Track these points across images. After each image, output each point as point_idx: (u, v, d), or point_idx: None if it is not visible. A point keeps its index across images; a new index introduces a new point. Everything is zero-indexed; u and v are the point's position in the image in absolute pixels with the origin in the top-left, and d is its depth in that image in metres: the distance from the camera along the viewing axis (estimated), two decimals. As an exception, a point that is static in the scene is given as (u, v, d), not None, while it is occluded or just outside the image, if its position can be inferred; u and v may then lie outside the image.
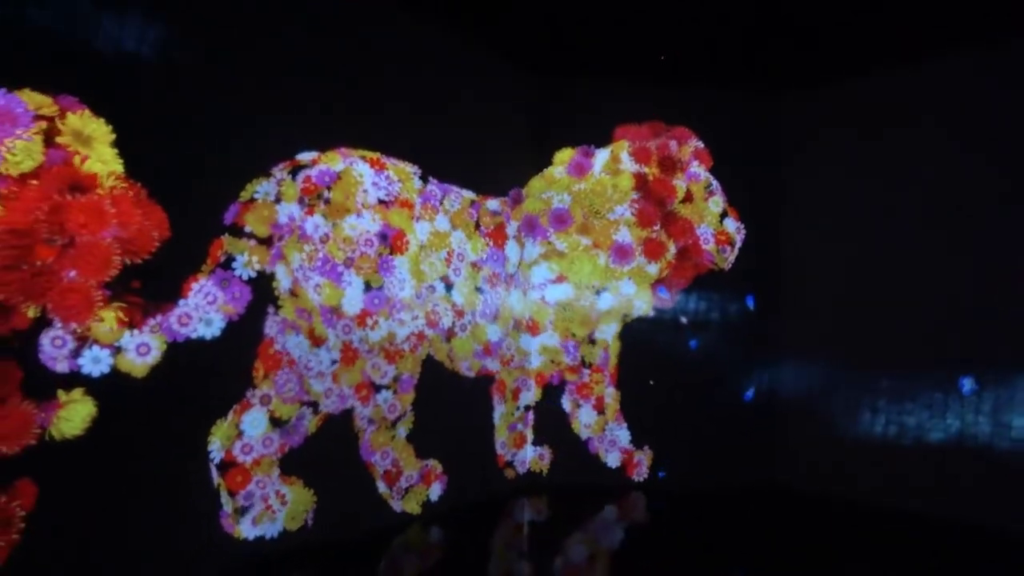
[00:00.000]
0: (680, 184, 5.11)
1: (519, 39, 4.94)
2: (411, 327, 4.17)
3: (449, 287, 4.46)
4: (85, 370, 2.83)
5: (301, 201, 3.69)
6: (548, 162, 5.32)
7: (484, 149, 5.04)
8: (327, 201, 3.78)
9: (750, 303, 5.57)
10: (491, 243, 4.83)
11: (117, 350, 2.92)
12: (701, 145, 5.23)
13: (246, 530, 3.46)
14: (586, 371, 5.19)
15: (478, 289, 4.70)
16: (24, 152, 2.68)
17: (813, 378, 5.44)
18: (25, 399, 2.64)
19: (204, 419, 3.33)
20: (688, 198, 5.13)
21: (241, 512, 3.43)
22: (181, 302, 3.17)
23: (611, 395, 5.28)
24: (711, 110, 5.50)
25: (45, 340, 2.72)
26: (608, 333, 5.25)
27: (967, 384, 4.67)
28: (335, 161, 3.89)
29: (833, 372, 5.33)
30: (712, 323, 5.52)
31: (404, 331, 4.13)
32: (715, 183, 5.21)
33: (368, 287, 3.91)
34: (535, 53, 5.16)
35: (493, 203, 4.99)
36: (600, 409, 5.24)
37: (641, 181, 5.07)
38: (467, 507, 4.65)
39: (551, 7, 4.52)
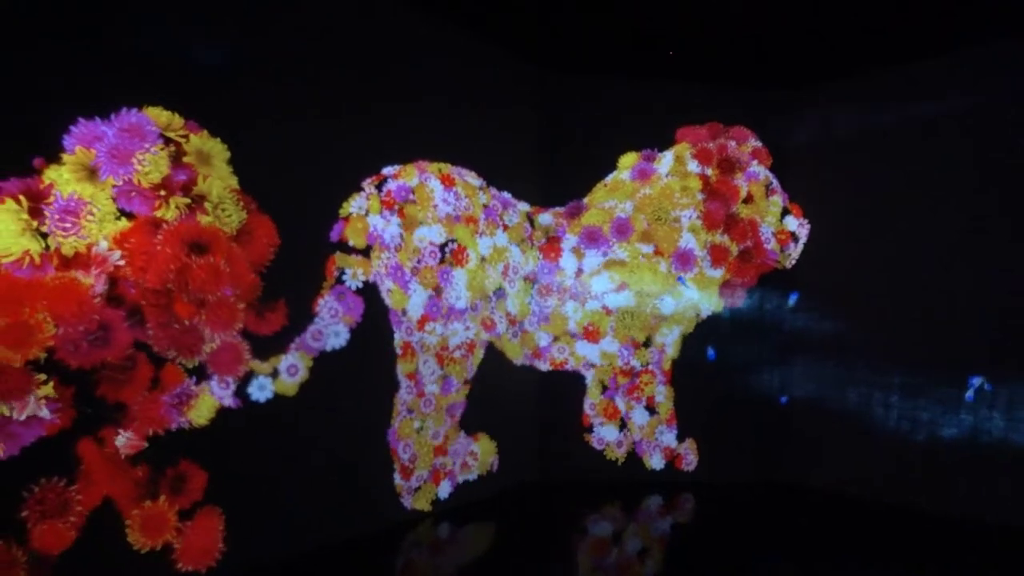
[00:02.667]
0: (741, 184, 5.20)
1: (529, 34, 4.90)
2: (463, 336, 4.51)
3: (504, 297, 4.85)
4: (253, 398, 3.43)
5: (382, 213, 4.07)
6: (556, 160, 5.46)
7: (492, 145, 5.03)
8: (403, 213, 4.16)
9: (793, 299, 5.58)
10: (542, 256, 5.07)
11: (275, 374, 3.49)
12: (759, 144, 5.29)
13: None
14: (633, 377, 5.30)
15: (530, 300, 5.04)
16: (152, 164, 2.94)
17: (825, 375, 5.48)
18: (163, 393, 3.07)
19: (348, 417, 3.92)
20: (749, 198, 5.21)
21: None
22: (316, 319, 3.70)
23: (663, 393, 5.37)
24: (719, 106, 5.52)
25: (213, 383, 3.24)
26: (669, 337, 5.36)
27: (976, 383, 4.67)
28: (411, 176, 4.26)
29: (845, 370, 5.37)
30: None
31: (456, 339, 4.47)
32: (775, 181, 5.25)
33: (430, 295, 4.27)
34: (545, 48, 5.13)
35: (546, 216, 5.18)
36: (653, 409, 5.34)
37: (705, 183, 5.18)
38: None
39: (561, 2, 4.47)
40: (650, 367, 5.30)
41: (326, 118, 3.81)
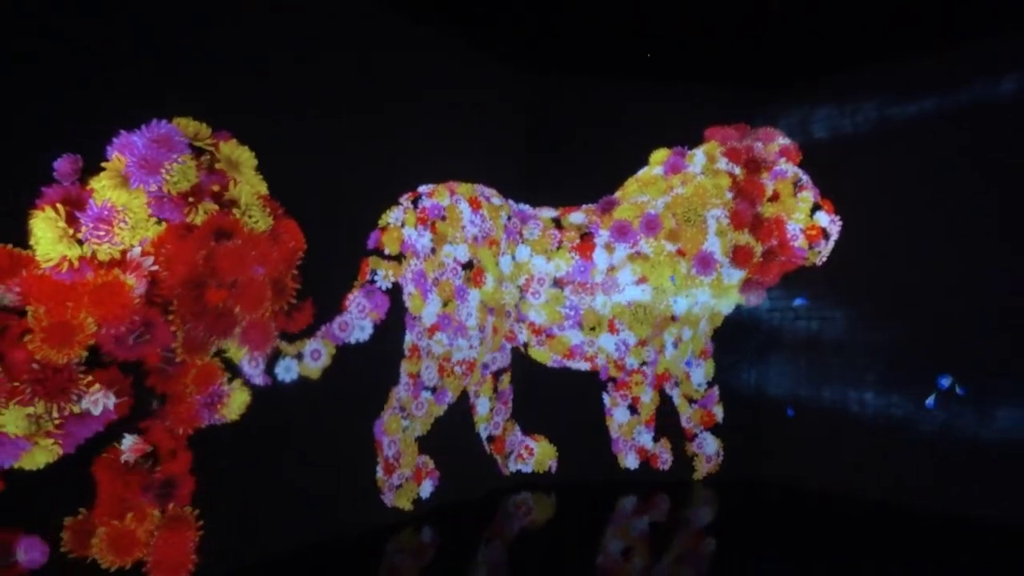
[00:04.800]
0: (767, 183, 5.13)
1: (513, 36, 4.96)
2: (466, 354, 4.64)
3: (525, 307, 5.06)
4: (280, 378, 3.61)
5: (417, 226, 4.39)
6: (542, 160, 5.52)
7: (477, 146, 5.10)
8: (435, 228, 4.48)
9: (801, 302, 5.49)
10: (577, 256, 5.06)
11: (299, 357, 3.69)
12: (787, 142, 5.23)
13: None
14: (628, 371, 5.30)
15: (564, 303, 5.11)
16: (180, 174, 3.05)
17: (799, 374, 5.49)
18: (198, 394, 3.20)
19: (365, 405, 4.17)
20: (775, 197, 5.14)
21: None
22: (345, 312, 3.97)
23: (650, 397, 5.36)
24: (702, 107, 5.55)
25: (244, 362, 3.41)
26: (670, 340, 5.38)
27: (945, 383, 4.70)
28: (443, 196, 4.59)
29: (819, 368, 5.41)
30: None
31: (459, 355, 4.61)
32: (805, 177, 5.16)
33: (443, 306, 4.50)
34: (529, 50, 5.17)
35: (578, 215, 5.20)
36: (636, 411, 5.35)
37: (734, 181, 5.15)
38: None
39: (546, 5, 4.51)
40: (644, 368, 5.29)
41: (331, 128, 3.98)
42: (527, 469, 5.26)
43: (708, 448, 5.53)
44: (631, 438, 5.35)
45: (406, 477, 4.39)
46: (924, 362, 4.84)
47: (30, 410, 2.63)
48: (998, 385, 4.54)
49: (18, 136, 2.71)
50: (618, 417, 5.36)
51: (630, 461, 5.36)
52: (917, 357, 4.89)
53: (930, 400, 4.78)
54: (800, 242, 5.10)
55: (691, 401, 5.52)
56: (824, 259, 5.18)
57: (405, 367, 4.35)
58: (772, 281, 5.30)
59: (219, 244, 3.16)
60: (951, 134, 4.81)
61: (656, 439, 5.41)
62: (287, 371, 3.64)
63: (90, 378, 2.78)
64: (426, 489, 4.52)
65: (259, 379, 3.47)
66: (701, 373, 5.54)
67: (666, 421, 5.47)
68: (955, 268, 4.74)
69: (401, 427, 4.32)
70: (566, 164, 5.55)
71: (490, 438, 5.06)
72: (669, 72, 5.44)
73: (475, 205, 4.74)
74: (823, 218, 5.14)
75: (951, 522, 4.54)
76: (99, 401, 2.81)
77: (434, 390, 4.50)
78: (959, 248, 4.74)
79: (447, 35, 4.77)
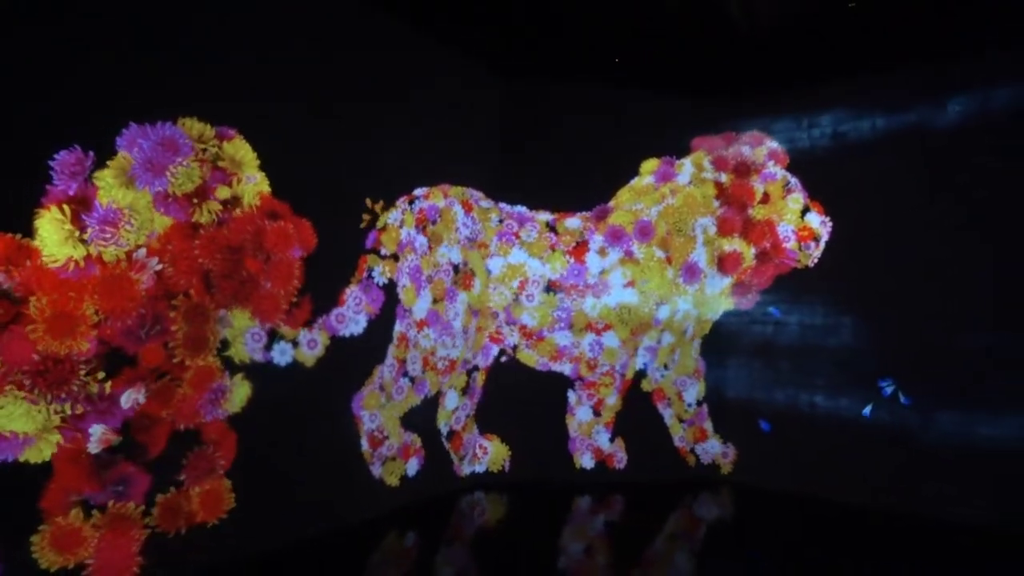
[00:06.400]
0: (757, 186, 5.24)
1: (490, 42, 4.98)
2: (450, 351, 4.78)
3: (518, 311, 5.13)
4: (275, 360, 3.71)
5: (415, 226, 4.55)
6: (518, 163, 5.52)
7: (453, 149, 5.07)
8: (433, 228, 4.64)
9: (775, 313, 5.54)
10: (572, 260, 5.13)
11: (295, 344, 3.79)
12: (775, 145, 5.35)
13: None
14: (599, 372, 5.32)
15: (556, 306, 5.19)
16: (184, 176, 3.09)
17: (755, 376, 5.57)
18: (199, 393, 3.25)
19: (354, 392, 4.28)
20: (765, 199, 5.25)
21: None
22: (342, 306, 4.09)
23: (613, 402, 5.38)
24: (671, 114, 5.66)
25: (248, 336, 3.52)
26: (645, 345, 5.42)
27: (888, 390, 4.85)
28: (439, 198, 4.75)
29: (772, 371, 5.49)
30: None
31: (443, 352, 4.74)
32: (793, 180, 5.28)
33: (432, 304, 4.64)
34: (506, 56, 5.19)
35: (574, 221, 5.28)
36: (598, 412, 5.36)
37: (720, 189, 5.26)
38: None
39: (523, 11, 4.53)
40: (614, 372, 5.32)
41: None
42: (481, 469, 5.24)
43: (713, 449, 5.57)
44: (589, 437, 5.35)
45: (395, 450, 4.48)
46: (872, 365, 5.01)
47: (34, 408, 2.63)
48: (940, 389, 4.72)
49: (24, 130, 2.74)
50: (580, 416, 5.34)
51: (586, 461, 5.37)
52: (867, 360, 5.04)
53: (867, 410, 4.95)
54: (792, 244, 5.20)
55: (681, 421, 5.55)
56: (815, 260, 5.25)
57: (393, 351, 4.46)
58: (765, 284, 5.39)
59: (269, 222, 3.45)
60: (901, 149, 4.97)
61: (612, 439, 5.42)
62: (282, 354, 3.74)
63: (87, 370, 2.80)
64: (412, 467, 4.62)
65: (258, 355, 3.58)
66: (693, 393, 5.57)
67: (626, 423, 5.48)
68: (903, 277, 4.90)
69: (380, 403, 4.38)
70: (538, 166, 5.55)
71: (450, 434, 5.05)
72: (635, 80, 5.48)
73: (467, 208, 4.90)
74: (814, 219, 5.25)
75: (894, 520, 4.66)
76: (130, 396, 2.90)
77: (414, 380, 4.60)
78: (910, 256, 4.91)
79: (425, 36, 4.75)
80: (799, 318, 5.35)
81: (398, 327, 4.48)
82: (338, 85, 4.10)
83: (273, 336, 3.67)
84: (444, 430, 4.97)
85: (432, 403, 4.83)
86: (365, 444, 4.28)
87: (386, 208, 4.40)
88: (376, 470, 4.34)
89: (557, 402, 5.39)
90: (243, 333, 3.47)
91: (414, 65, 4.68)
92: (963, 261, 4.65)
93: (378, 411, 4.37)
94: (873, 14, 4.26)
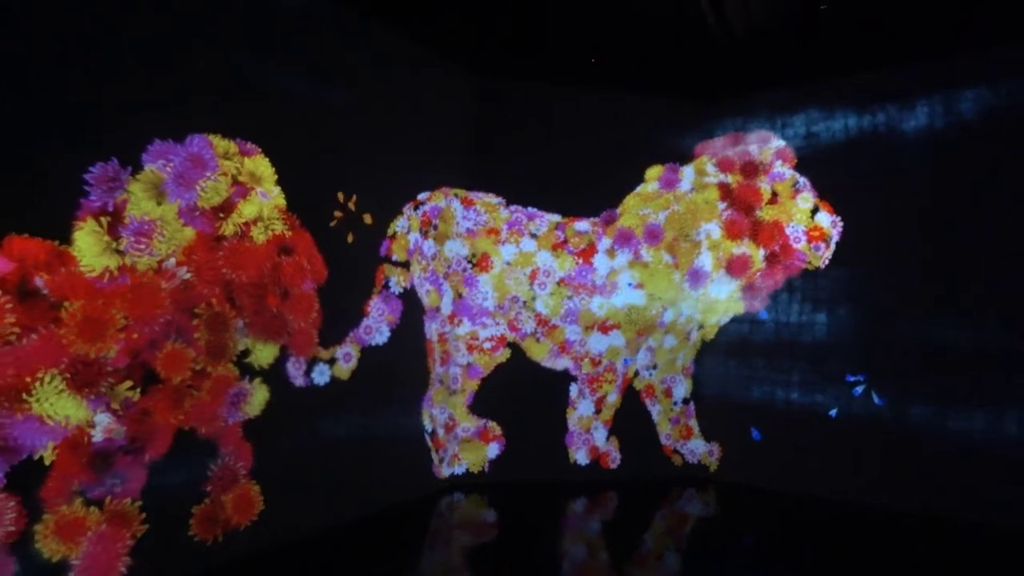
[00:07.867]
0: (764, 186, 5.30)
1: (464, 40, 4.93)
2: (493, 330, 5.09)
3: (533, 299, 5.24)
4: (316, 381, 3.98)
5: (421, 230, 4.77)
6: (488, 163, 5.50)
7: (426, 149, 5.01)
8: (436, 229, 4.90)
9: (763, 316, 5.55)
10: (580, 261, 5.29)
11: (332, 362, 4.08)
12: (783, 144, 5.37)
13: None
14: (601, 369, 5.40)
15: (566, 300, 5.31)
16: (212, 190, 3.27)
17: (729, 373, 5.63)
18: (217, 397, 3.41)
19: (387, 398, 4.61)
20: (774, 199, 5.30)
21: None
22: (368, 318, 4.36)
23: (614, 400, 5.46)
24: (649, 115, 5.70)
25: (288, 364, 3.81)
26: (646, 345, 5.50)
27: (858, 389, 4.95)
28: (440, 199, 5.01)
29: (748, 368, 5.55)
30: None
31: (486, 332, 5.06)
32: (802, 180, 5.28)
33: (457, 296, 4.98)
34: (479, 55, 5.16)
35: (582, 224, 5.43)
36: (598, 409, 5.42)
37: (725, 191, 5.32)
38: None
39: (497, 9, 4.49)
40: (616, 369, 5.39)
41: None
42: (460, 470, 5.21)
43: (699, 449, 5.62)
44: (587, 432, 5.40)
45: (470, 432, 5.04)
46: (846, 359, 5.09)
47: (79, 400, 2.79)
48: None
49: (58, 141, 2.85)
50: (581, 410, 5.40)
51: (580, 457, 5.40)
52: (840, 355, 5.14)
53: (833, 411, 5.03)
54: (802, 245, 5.22)
55: (668, 418, 5.61)
56: (827, 261, 5.20)
57: (436, 349, 4.86)
58: (776, 285, 5.39)
59: (283, 257, 3.67)
60: (873, 150, 5.05)
61: (608, 438, 5.48)
62: (321, 375, 4.00)
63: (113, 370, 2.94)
64: (493, 451, 5.17)
65: (300, 380, 3.86)
66: (682, 390, 5.63)
67: (617, 420, 5.54)
68: (879, 274, 5.00)
69: (445, 397, 4.91)
70: (512, 166, 5.54)
71: (434, 432, 5.03)
72: (612, 82, 5.52)
73: (467, 203, 5.16)
74: (824, 219, 5.23)
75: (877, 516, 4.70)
76: (103, 420, 2.95)
77: (466, 366, 5.00)
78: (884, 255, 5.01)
79: (397, 33, 4.70)
80: (780, 318, 5.45)
81: (433, 327, 4.84)
82: (319, 88, 4.02)
83: (312, 362, 3.94)
84: (428, 428, 5.04)
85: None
86: (432, 448, 4.82)
87: (358, 204, 4.27)
88: (446, 470, 4.94)
89: (558, 399, 5.47)
90: (281, 361, 3.74)
91: (391, 66, 4.63)
92: (942, 259, 4.78)
93: (444, 403, 4.92)
94: (843, 17, 4.33)
